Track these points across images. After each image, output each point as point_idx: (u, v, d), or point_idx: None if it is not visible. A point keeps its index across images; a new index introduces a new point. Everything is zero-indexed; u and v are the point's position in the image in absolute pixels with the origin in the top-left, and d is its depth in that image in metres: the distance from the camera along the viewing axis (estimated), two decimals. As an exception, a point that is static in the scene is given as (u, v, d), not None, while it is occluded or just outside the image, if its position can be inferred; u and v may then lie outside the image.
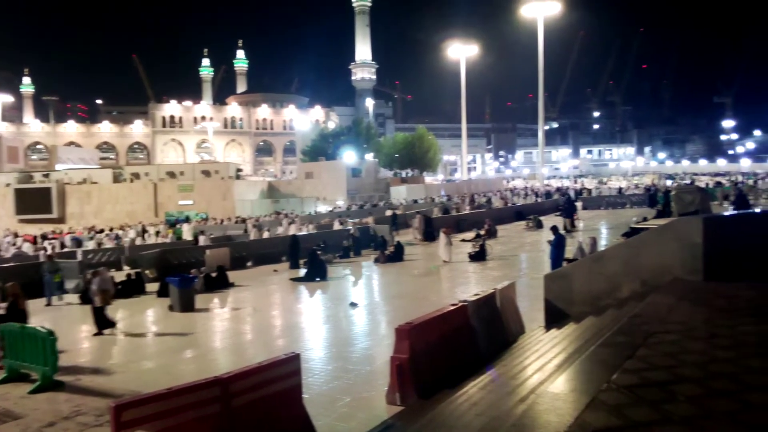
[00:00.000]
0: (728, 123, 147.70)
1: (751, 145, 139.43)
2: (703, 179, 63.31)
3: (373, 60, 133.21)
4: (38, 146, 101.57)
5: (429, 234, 28.80)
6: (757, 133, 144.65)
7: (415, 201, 52.34)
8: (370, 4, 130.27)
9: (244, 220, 41.79)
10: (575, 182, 76.11)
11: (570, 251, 17.55)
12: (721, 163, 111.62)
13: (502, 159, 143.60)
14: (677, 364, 4.49)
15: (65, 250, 29.87)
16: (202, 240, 27.20)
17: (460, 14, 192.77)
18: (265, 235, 30.85)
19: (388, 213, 37.50)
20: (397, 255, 23.58)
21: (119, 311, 17.30)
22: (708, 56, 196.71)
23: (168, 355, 12.19)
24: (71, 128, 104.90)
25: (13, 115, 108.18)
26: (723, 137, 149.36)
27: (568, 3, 61.26)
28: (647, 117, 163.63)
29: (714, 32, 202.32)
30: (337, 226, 32.58)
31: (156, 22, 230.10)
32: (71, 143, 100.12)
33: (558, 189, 56.19)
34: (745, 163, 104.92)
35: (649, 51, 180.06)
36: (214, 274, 19.97)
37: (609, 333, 6.12)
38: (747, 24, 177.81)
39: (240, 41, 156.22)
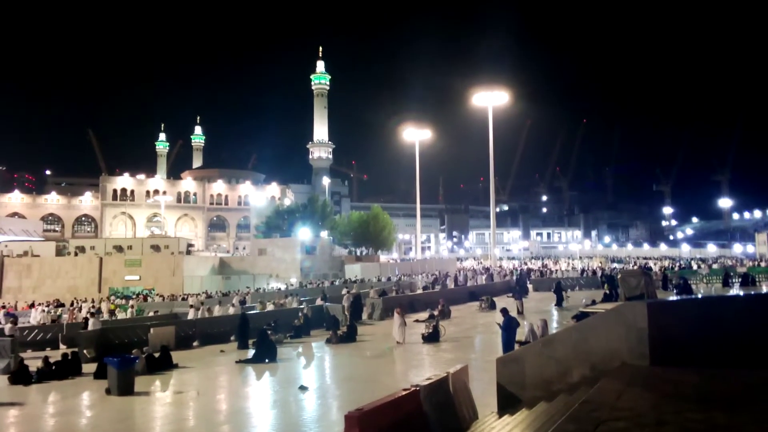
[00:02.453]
0: (668, 210, 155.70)
1: (689, 231, 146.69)
2: (657, 263, 65.49)
3: (330, 140, 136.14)
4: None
5: (356, 314, 28.47)
6: (695, 220, 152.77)
7: (388, 278, 51.35)
8: (328, 87, 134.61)
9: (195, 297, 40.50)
10: (541, 263, 77.38)
11: (522, 333, 17.64)
12: (663, 248, 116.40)
13: (455, 239, 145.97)
14: (627, 454, 4.48)
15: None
16: (92, 323, 23.29)
17: (414, 100, 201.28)
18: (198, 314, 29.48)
19: (344, 292, 37.02)
20: (349, 335, 23.16)
21: (52, 394, 16.24)
22: (647, 147, 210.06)
23: (101, 443, 11.39)
24: (16, 198, 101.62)
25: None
26: (663, 223, 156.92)
27: (516, 94, 64.89)
28: (592, 202, 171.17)
29: (652, 125, 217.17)
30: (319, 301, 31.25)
31: (113, 94, 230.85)
32: (15, 214, 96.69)
33: (513, 270, 57.18)
34: (685, 249, 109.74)
35: (592, 140, 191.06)
36: (156, 355, 19.07)
37: (560, 420, 6.09)
38: (683, 119, 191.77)
39: (198, 117, 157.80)
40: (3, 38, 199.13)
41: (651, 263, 63.49)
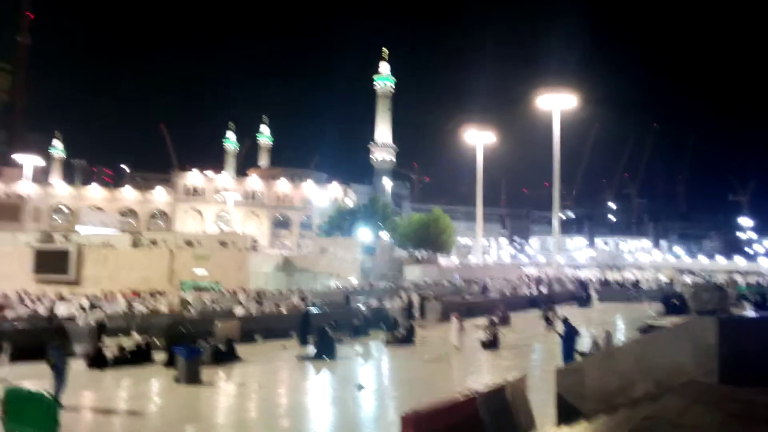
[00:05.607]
0: (746, 221, 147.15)
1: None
2: (739, 277, 61.85)
3: (392, 141, 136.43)
4: (62, 208, 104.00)
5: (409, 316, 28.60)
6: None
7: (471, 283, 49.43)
8: (393, 89, 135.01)
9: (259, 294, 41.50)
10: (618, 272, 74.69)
11: (585, 344, 17.27)
12: (739, 262, 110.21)
13: (517, 245, 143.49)
14: (689, 472, 4.40)
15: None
16: (82, 320, 23.15)
17: (478, 102, 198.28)
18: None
19: (402, 295, 37.15)
20: (407, 337, 23.27)
21: (125, 379, 17.19)
22: (723, 153, 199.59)
23: (168, 429, 11.99)
24: (96, 192, 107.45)
25: (40, 176, 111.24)
26: (741, 235, 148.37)
27: (584, 96, 62.89)
28: (663, 211, 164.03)
29: (729, 131, 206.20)
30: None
31: (184, 91, 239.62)
32: (94, 206, 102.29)
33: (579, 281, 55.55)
34: (764, 263, 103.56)
35: (664, 145, 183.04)
36: (222, 347, 19.82)
37: (620, 435, 6.00)
38: (762, 124, 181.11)
39: (264, 117, 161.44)
40: (82, 38, 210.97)
41: (739, 278, 60.00)
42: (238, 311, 27.62)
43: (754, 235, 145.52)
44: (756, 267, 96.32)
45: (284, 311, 28.55)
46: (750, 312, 29.16)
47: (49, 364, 13.18)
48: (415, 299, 32.59)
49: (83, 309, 27.38)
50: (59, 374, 12.97)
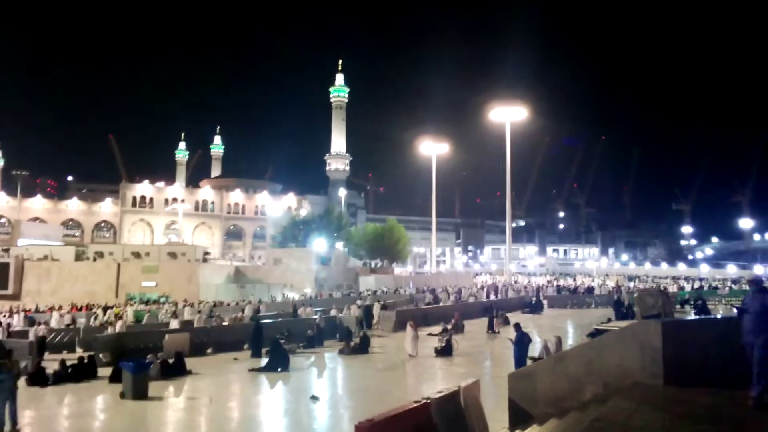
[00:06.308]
0: (687, 229, 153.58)
1: (709, 251, 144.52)
2: (686, 283, 64.39)
3: (347, 152, 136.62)
4: (1, 220, 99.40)
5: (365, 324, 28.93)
6: (715, 240, 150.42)
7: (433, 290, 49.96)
8: (347, 100, 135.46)
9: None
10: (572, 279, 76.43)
11: (536, 350, 17.56)
12: (681, 268, 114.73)
13: (470, 253, 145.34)
14: (636, 471, 4.48)
15: (16, 328, 28.57)
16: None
17: (433, 113, 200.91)
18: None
19: (359, 303, 37.04)
20: (362, 347, 23.15)
21: (67, 396, 16.45)
22: (667, 165, 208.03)
23: (114, 446, 11.53)
24: (38, 203, 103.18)
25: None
26: (683, 242, 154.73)
27: (534, 109, 64.47)
28: (610, 220, 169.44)
29: (672, 144, 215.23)
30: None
31: (135, 103, 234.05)
32: (36, 219, 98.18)
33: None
34: (704, 269, 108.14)
35: (611, 157, 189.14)
36: (171, 360, 19.23)
37: (570, 437, 6.08)
38: (703, 137, 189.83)
39: (218, 127, 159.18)
40: (27, 45, 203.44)
41: (683, 283, 62.42)
42: (174, 324, 26.87)
43: (694, 242, 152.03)
44: (697, 273, 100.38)
45: (231, 323, 27.97)
46: (691, 316, 30.36)
47: None
48: (376, 308, 32.54)
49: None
50: (7, 396, 12.05)
